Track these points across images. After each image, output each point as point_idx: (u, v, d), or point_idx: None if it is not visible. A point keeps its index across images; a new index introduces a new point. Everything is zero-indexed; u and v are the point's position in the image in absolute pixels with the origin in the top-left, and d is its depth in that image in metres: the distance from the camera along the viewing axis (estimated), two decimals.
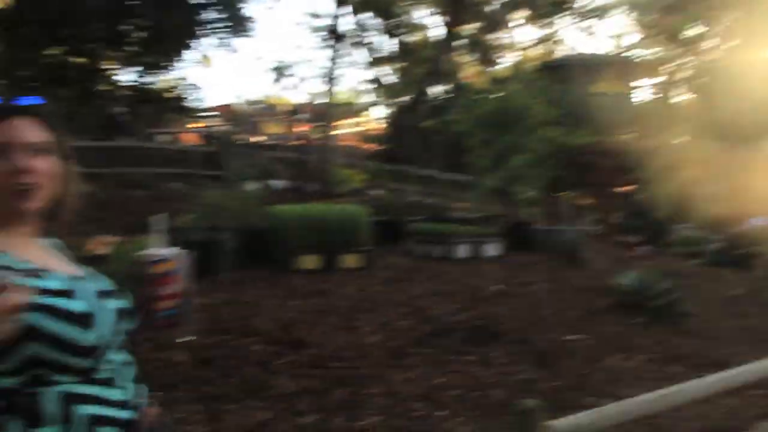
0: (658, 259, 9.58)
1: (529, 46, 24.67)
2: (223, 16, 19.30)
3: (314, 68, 25.73)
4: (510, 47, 24.71)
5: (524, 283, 7.37)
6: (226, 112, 29.30)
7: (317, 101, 22.66)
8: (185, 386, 4.63)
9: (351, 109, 26.81)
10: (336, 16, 16.31)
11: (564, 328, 6.27)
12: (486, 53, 23.86)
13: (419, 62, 23.06)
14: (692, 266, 9.42)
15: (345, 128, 27.14)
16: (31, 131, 1.33)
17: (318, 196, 13.06)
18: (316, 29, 22.85)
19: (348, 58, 22.27)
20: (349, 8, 19.50)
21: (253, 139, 25.92)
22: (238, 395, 4.59)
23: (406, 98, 22.72)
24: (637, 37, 23.53)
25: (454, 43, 22.57)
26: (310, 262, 7.61)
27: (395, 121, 21.95)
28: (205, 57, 21.24)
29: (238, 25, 19.75)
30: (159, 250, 1.33)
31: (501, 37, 24.24)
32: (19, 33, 14.21)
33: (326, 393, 4.70)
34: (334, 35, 16.52)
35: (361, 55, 22.39)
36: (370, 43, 22.30)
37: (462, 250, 8.52)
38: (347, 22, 21.16)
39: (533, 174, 10.48)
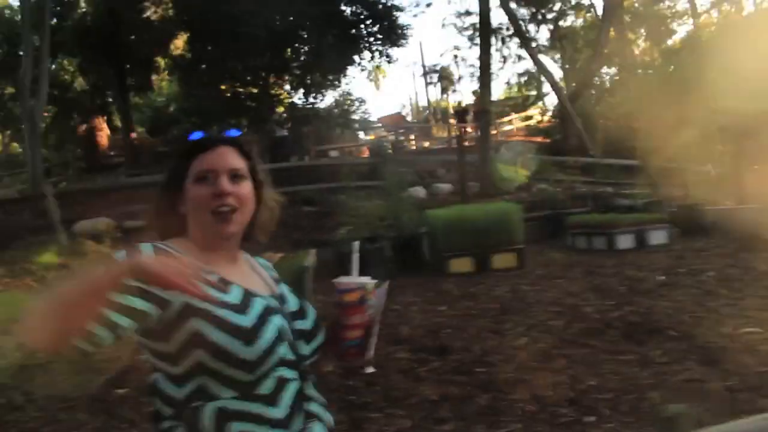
0: None
1: (703, 12, 22.71)
2: (379, 27, 19.84)
3: (470, 67, 25.57)
4: (680, 15, 22.90)
5: (693, 271, 6.74)
6: (393, 121, 30.00)
7: (478, 100, 22.48)
8: (332, 396, 4.76)
9: (514, 104, 26.29)
10: (484, 12, 16.03)
11: (739, 320, 5.63)
12: (654, 25, 22.28)
13: (581, 46, 22.09)
14: None
15: (509, 124, 26.66)
16: (232, 158, 1.47)
17: (481, 196, 12.93)
18: (466, 27, 22.74)
19: (504, 52, 21.90)
20: (497, 1, 19.15)
21: (421, 145, 26.32)
22: (381, 404, 4.64)
23: (572, 85, 21.83)
24: None
25: (618, 20, 21.30)
26: (462, 264, 7.54)
27: (561, 111, 21.17)
28: (377, 68, 21.89)
29: (394, 34, 20.18)
30: (355, 278, 1.39)
31: (669, 6, 22.56)
32: (195, 73, 15.62)
33: (468, 399, 4.61)
34: (485, 31, 16.27)
35: (517, 47, 21.92)
36: (525, 33, 21.71)
37: (624, 240, 7.99)
38: (497, 16, 20.79)
39: (706, 150, 9.60)
